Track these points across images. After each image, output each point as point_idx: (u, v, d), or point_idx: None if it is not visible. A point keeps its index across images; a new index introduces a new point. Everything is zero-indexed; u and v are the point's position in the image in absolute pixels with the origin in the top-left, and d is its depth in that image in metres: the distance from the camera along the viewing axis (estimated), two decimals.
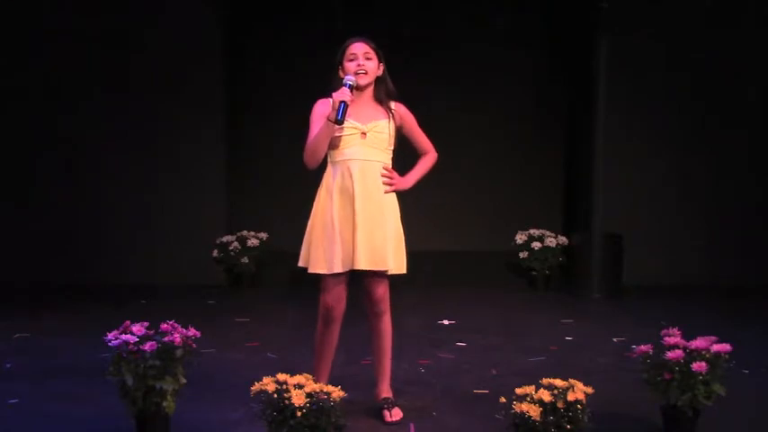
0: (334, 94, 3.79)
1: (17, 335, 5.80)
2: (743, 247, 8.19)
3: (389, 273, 3.90)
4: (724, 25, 8.12)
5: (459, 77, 8.66)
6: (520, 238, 8.06)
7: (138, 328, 3.54)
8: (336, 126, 3.80)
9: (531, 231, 8.07)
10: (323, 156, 3.88)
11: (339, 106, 3.74)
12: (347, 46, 3.93)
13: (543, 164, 8.89)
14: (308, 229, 3.95)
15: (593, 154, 7.72)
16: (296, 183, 8.41)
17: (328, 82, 3.90)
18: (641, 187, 8.19)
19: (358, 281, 3.96)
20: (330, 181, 3.91)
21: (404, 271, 3.94)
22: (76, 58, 7.97)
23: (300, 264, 3.97)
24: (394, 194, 3.97)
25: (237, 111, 8.48)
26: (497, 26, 8.34)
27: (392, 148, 3.98)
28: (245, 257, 7.92)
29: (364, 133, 3.89)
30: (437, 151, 4.11)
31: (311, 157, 3.85)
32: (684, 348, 3.62)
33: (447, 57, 8.56)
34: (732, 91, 8.15)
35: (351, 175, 3.86)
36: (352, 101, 3.80)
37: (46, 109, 8.00)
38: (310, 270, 3.90)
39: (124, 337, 3.46)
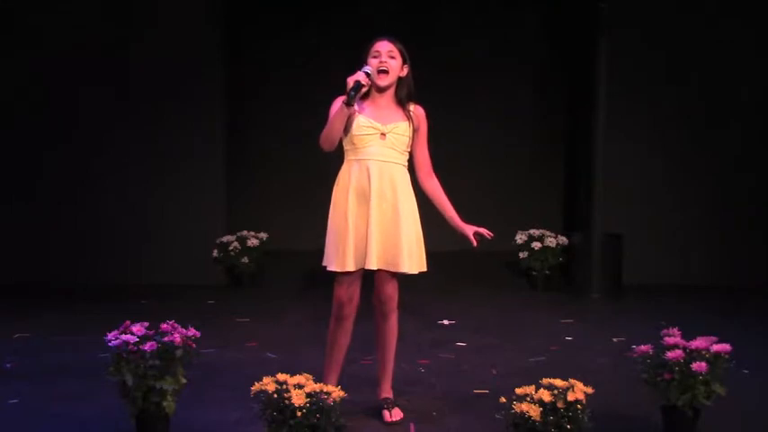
0: (348, 78, 3.80)
1: (17, 335, 5.80)
2: (742, 247, 8.18)
3: (409, 272, 3.90)
4: (723, 25, 8.11)
5: (458, 77, 8.66)
6: (520, 238, 8.05)
7: (138, 328, 3.54)
8: (348, 109, 3.79)
9: (531, 231, 8.06)
10: (337, 139, 3.89)
11: (353, 85, 3.76)
12: (372, 44, 3.93)
13: (543, 164, 8.89)
14: (327, 228, 3.96)
15: (593, 154, 7.71)
16: (296, 183, 8.56)
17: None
18: (641, 187, 8.17)
19: (370, 280, 3.97)
20: (347, 179, 3.92)
21: (424, 269, 3.97)
22: (76, 58, 7.96)
23: (324, 263, 3.96)
24: (412, 195, 3.98)
25: (237, 111, 8.48)
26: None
27: (409, 150, 3.99)
28: (245, 257, 7.92)
29: (384, 134, 3.90)
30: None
31: (325, 139, 3.88)
32: (684, 348, 3.62)
33: (447, 56, 8.56)
34: (732, 91, 8.14)
35: (368, 175, 3.87)
36: (367, 84, 3.81)
37: (45, 110, 7.99)
38: (329, 268, 3.91)
39: (124, 337, 3.47)
